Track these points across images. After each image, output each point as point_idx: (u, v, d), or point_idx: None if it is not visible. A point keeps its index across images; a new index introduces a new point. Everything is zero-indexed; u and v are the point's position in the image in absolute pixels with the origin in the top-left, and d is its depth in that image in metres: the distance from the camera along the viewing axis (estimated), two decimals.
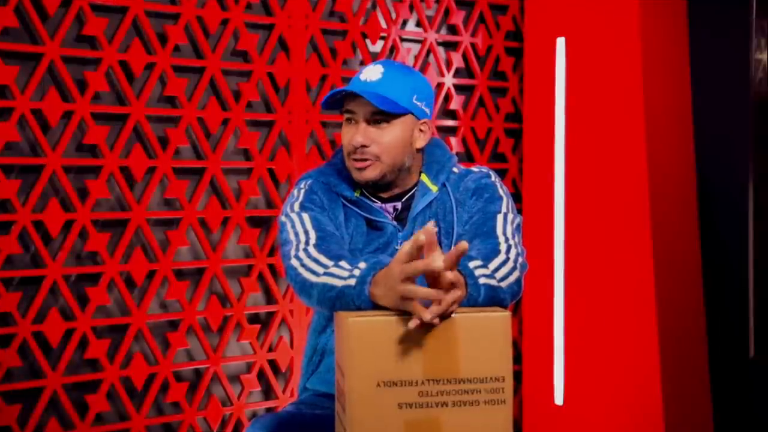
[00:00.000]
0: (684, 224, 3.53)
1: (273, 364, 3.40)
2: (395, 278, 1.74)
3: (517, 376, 3.77)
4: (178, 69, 3.20)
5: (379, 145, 2.10)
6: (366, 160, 2.10)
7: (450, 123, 3.77)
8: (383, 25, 3.60)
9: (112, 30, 3.07)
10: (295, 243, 2.02)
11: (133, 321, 3.10)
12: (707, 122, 3.66)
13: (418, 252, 1.73)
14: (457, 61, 3.78)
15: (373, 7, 3.60)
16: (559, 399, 3.57)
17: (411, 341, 1.74)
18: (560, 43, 3.61)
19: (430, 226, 1.77)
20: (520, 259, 1.99)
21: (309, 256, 1.97)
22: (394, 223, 2.15)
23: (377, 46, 3.62)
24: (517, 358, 3.78)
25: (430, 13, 3.75)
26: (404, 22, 3.69)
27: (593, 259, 3.49)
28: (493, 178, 2.18)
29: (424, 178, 2.19)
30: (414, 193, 2.19)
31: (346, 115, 2.13)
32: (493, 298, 1.86)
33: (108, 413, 3.10)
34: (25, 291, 2.93)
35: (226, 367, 3.30)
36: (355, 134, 2.10)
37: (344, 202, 2.17)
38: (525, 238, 3.22)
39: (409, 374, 1.74)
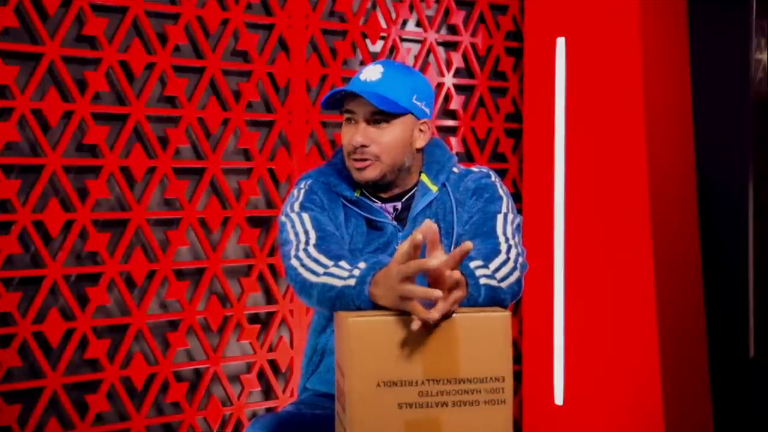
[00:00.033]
0: (684, 224, 3.53)
1: (273, 364, 3.40)
2: (394, 278, 1.74)
3: (517, 376, 3.77)
4: (178, 69, 3.20)
5: (379, 145, 2.10)
6: (366, 160, 2.10)
7: (450, 123, 3.77)
8: (383, 25, 3.61)
9: (112, 30, 3.07)
10: (295, 243, 2.02)
11: (133, 321, 3.10)
12: (707, 122, 3.66)
13: (416, 251, 1.73)
14: (457, 61, 3.78)
15: (373, 7, 3.60)
16: (559, 399, 3.57)
17: (411, 341, 1.74)
18: (560, 43, 3.61)
19: (432, 223, 1.77)
20: (520, 259, 1.99)
21: (309, 256, 1.97)
22: (394, 223, 2.15)
23: (377, 46, 3.62)
24: (517, 358, 3.78)
25: (430, 13, 3.75)
26: (404, 22, 3.69)
27: (593, 259, 3.49)
28: (493, 178, 2.18)
29: (424, 178, 2.19)
30: (414, 193, 2.19)
31: (346, 115, 2.13)
32: (493, 299, 1.86)
33: (108, 413, 3.10)
34: (25, 291, 2.93)
35: (226, 367, 3.30)
36: (354, 134, 2.10)
37: (344, 202, 2.17)
38: (525, 238, 3.22)
39: (409, 374, 1.74)
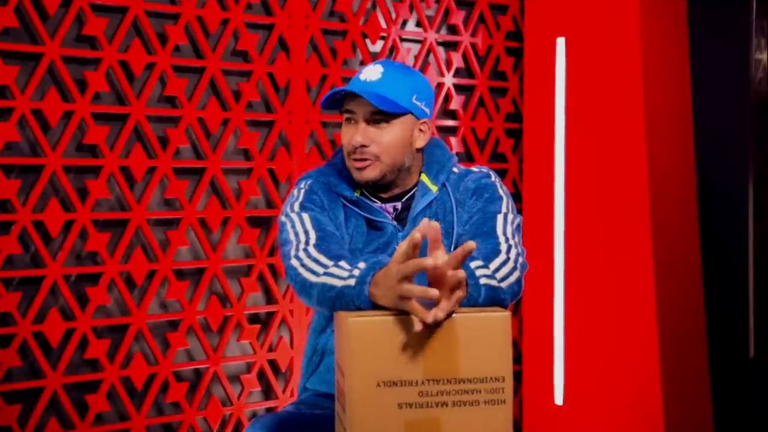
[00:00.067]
0: (684, 224, 3.53)
1: (273, 364, 3.40)
2: (393, 278, 1.74)
3: (517, 376, 3.77)
4: (178, 69, 3.20)
5: (379, 144, 2.10)
6: (366, 159, 2.10)
7: (450, 123, 3.77)
8: (383, 25, 3.61)
9: (112, 30, 3.07)
10: (295, 243, 2.02)
11: (133, 321, 3.10)
12: (707, 122, 3.66)
13: (415, 250, 1.73)
14: (457, 61, 3.78)
15: (373, 7, 3.60)
16: (559, 399, 3.57)
17: (411, 341, 1.74)
18: (560, 43, 3.61)
19: (433, 222, 1.77)
20: (520, 259, 1.99)
21: (309, 256, 1.97)
22: (394, 223, 2.15)
23: (377, 46, 3.62)
24: (517, 358, 3.78)
25: (430, 13, 3.75)
26: (404, 22, 3.69)
27: (593, 259, 3.49)
28: (493, 178, 2.18)
29: (424, 178, 2.19)
30: (414, 193, 2.19)
31: (346, 115, 2.13)
32: (493, 299, 1.86)
33: (108, 413, 3.10)
34: (25, 291, 2.93)
35: (226, 367, 3.30)
36: (354, 134, 2.10)
37: (344, 202, 2.17)
38: (525, 238, 3.22)
39: (409, 374, 1.74)
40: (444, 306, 1.72)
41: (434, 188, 2.17)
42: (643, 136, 3.35)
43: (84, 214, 2.99)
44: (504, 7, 3.89)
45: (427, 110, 2.16)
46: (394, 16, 3.63)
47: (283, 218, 2.12)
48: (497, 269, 1.91)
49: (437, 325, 1.73)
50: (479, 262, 1.89)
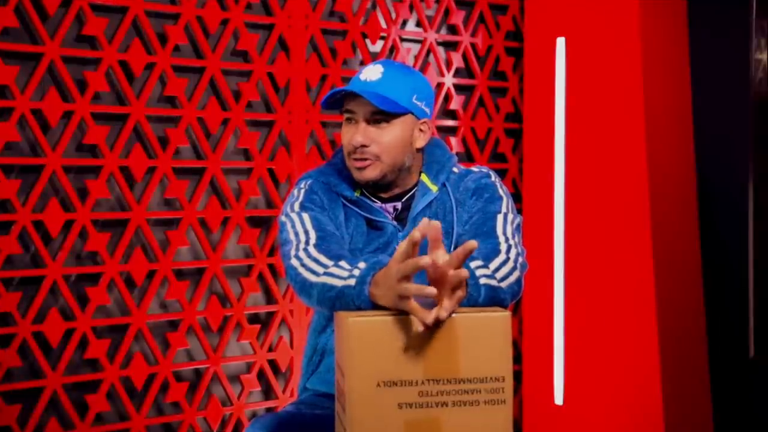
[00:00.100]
0: (684, 224, 3.53)
1: (273, 364, 3.40)
2: (393, 277, 1.74)
3: (517, 376, 3.77)
4: (178, 69, 3.20)
5: (379, 144, 2.10)
6: (366, 159, 2.10)
7: (450, 123, 3.77)
8: (383, 25, 3.61)
9: (112, 30, 3.07)
10: (295, 243, 2.02)
11: (133, 321, 3.10)
12: (707, 122, 3.66)
13: (414, 250, 1.73)
14: (457, 61, 3.78)
15: (373, 7, 3.60)
16: (559, 399, 3.57)
17: (411, 341, 1.74)
18: (560, 43, 3.61)
19: (434, 221, 1.77)
20: (520, 259, 1.99)
21: (309, 255, 1.97)
22: (394, 223, 2.15)
23: (377, 46, 3.62)
24: (517, 358, 3.78)
25: (430, 13, 3.75)
26: (404, 22, 3.69)
27: (593, 259, 3.49)
28: (493, 178, 2.18)
29: (424, 178, 2.19)
30: (414, 193, 2.19)
31: (346, 115, 2.13)
32: (493, 299, 1.86)
33: (108, 413, 3.10)
34: (25, 291, 2.93)
35: (226, 367, 3.30)
36: (355, 134, 2.10)
37: (344, 201, 2.17)
38: (525, 238, 3.22)
39: (409, 374, 1.74)
40: (447, 305, 1.71)
41: (434, 188, 2.17)
42: (643, 136, 3.35)
43: (84, 214, 2.99)
44: (504, 7, 3.89)
45: (427, 110, 2.16)
46: (394, 16, 3.63)
47: (283, 218, 2.12)
48: (497, 269, 1.91)
49: (437, 325, 1.73)
50: (479, 262, 1.89)
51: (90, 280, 3.05)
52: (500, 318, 1.78)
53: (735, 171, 3.66)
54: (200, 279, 3.24)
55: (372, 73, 2.11)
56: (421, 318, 1.71)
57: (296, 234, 2.04)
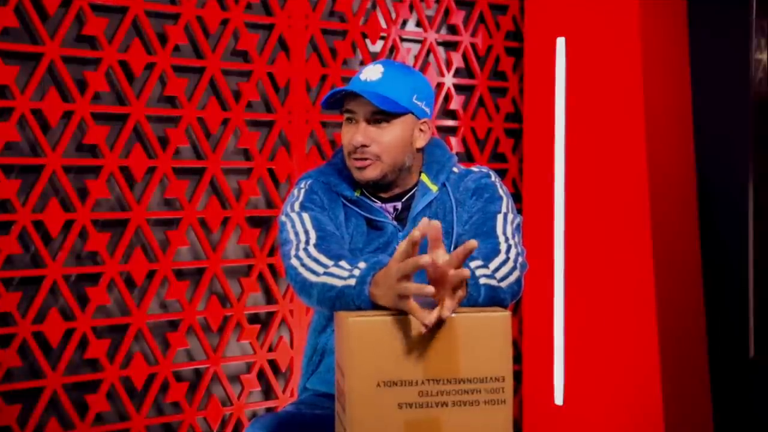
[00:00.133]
0: (684, 224, 3.53)
1: (273, 364, 3.40)
2: (393, 277, 1.74)
3: (517, 376, 3.77)
4: (178, 69, 3.20)
5: (380, 144, 2.10)
6: (366, 159, 2.10)
7: (450, 123, 3.77)
8: (383, 25, 3.61)
9: (112, 30, 3.07)
10: (295, 243, 2.02)
11: (133, 321, 3.10)
12: (707, 122, 3.66)
13: (414, 249, 1.73)
14: (457, 61, 3.78)
15: (373, 7, 3.60)
16: (559, 399, 3.57)
17: (411, 341, 1.74)
18: (560, 43, 3.61)
19: (434, 221, 1.77)
20: (520, 259, 1.99)
21: (309, 255, 1.97)
22: (394, 222, 2.15)
23: (377, 46, 3.62)
24: (517, 358, 3.78)
25: (430, 13, 3.75)
26: (404, 22, 3.69)
27: (593, 259, 3.49)
28: (493, 178, 2.18)
29: (424, 178, 2.19)
30: (414, 193, 2.19)
31: (347, 115, 2.13)
32: (493, 298, 1.86)
33: (108, 413, 3.10)
34: (25, 291, 2.93)
35: (226, 367, 3.30)
36: (355, 134, 2.10)
37: (344, 201, 2.17)
38: (525, 238, 3.22)
39: (409, 374, 1.74)
40: (448, 305, 1.71)
41: (434, 188, 2.17)
42: (643, 136, 3.35)
43: (84, 214, 2.99)
44: (504, 7, 3.89)
45: (427, 110, 2.16)
46: (394, 16, 3.63)
47: (283, 218, 2.12)
48: (497, 269, 1.91)
49: (437, 325, 1.73)
50: (479, 262, 1.89)
51: (90, 280, 3.05)
52: (500, 318, 1.78)
53: (735, 171, 3.66)
54: (200, 279, 3.24)
55: (372, 73, 2.11)
56: (420, 318, 1.71)
57: (296, 234, 2.04)
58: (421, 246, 1.73)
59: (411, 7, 3.67)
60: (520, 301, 3.79)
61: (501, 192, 2.15)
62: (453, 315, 1.75)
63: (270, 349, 3.38)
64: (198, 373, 3.26)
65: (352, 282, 1.83)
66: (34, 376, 2.95)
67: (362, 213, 2.15)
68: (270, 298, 3.40)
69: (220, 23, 3.27)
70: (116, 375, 3.06)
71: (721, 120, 3.68)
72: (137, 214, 3.09)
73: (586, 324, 3.50)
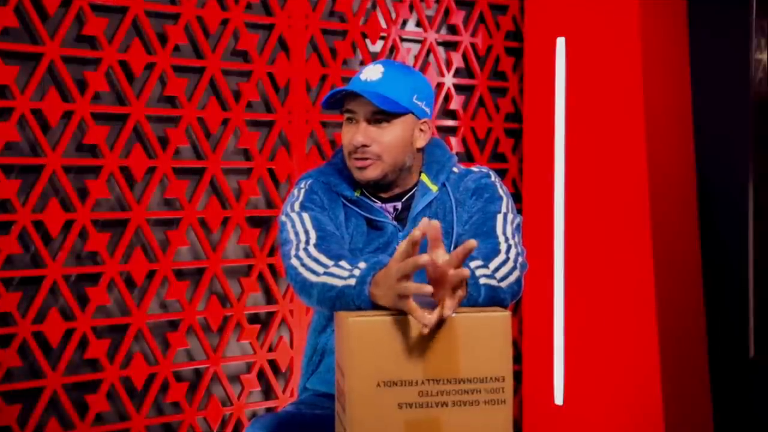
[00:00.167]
0: (684, 224, 3.53)
1: (273, 364, 3.40)
2: (392, 277, 1.74)
3: (517, 376, 3.77)
4: (178, 69, 3.20)
5: (380, 144, 2.10)
6: (367, 159, 2.10)
7: (450, 123, 3.77)
8: (383, 25, 3.61)
9: (112, 30, 3.07)
10: (295, 242, 2.02)
11: (133, 321, 3.09)
12: (707, 122, 3.66)
13: (414, 249, 1.73)
14: (457, 61, 3.78)
15: (373, 7, 3.60)
16: (559, 399, 3.57)
17: (411, 341, 1.74)
18: (560, 43, 3.61)
19: (434, 221, 1.77)
20: (520, 259, 1.99)
21: (309, 255, 1.97)
22: (395, 222, 2.15)
23: (377, 46, 3.62)
24: (517, 358, 3.78)
25: (430, 13, 3.75)
26: (404, 22, 3.69)
27: (593, 259, 3.49)
28: (493, 178, 2.18)
29: (424, 177, 2.19)
30: (414, 193, 2.19)
31: (347, 115, 2.13)
32: (493, 298, 1.86)
33: (108, 413, 3.10)
34: (25, 291, 2.93)
35: (226, 367, 3.30)
36: (355, 134, 2.10)
37: (344, 201, 2.17)
38: (525, 238, 3.22)
39: (409, 374, 1.74)
40: (449, 305, 1.71)
41: (434, 188, 2.17)
42: (643, 136, 3.35)
43: (84, 214, 2.99)
44: (504, 7, 3.89)
45: (427, 110, 2.16)
46: (394, 16, 3.63)
47: (283, 218, 2.12)
48: (497, 269, 1.91)
49: (437, 325, 1.73)
50: (479, 262, 1.89)
51: (90, 280, 3.05)
52: (500, 318, 1.78)
53: (735, 171, 3.66)
54: (200, 279, 3.24)
55: (372, 73, 2.11)
56: (419, 319, 1.71)
57: (296, 234, 2.04)
58: (421, 246, 1.73)
59: (411, 7, 3.67)
60: (520, 301, 3.79)
61: (501, 192, 2.15)
62: (453, 315, 1.75)
63: (270, 349, 3.38)
64: (198, 373, 3.26)
65: (352, 282, 1.83)
66: (34, 376, 2.95)
67: (362, 213, 2.15)
68: (270, 298, 3.40)
69: (220, 23, 3.27)
70: (116, 375, 3.06)
71: (721, 120, 3.68)
72: (137, 214, 3.09)
73: (586, 324, 3.50)
